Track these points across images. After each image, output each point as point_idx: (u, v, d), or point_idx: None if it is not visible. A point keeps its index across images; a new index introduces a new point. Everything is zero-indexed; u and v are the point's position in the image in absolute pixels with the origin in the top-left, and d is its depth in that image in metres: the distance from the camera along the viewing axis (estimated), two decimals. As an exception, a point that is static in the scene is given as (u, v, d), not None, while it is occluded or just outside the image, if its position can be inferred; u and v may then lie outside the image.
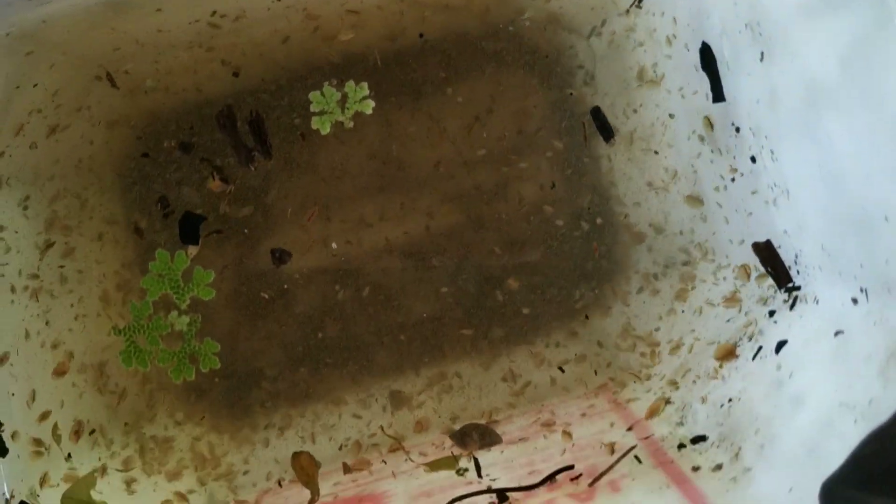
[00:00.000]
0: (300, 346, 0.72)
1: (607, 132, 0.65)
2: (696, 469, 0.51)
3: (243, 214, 0.68)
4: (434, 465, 0.68)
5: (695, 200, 0.65)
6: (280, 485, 0.70)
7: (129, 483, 0.65)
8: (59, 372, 0.63)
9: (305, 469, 0.72)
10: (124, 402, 0.69)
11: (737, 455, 0.50)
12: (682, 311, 0.65)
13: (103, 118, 0.67)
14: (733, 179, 0.58)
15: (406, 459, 0.68)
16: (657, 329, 0.67)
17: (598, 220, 0.71)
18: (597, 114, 0.65)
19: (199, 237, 0.65)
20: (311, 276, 0.70)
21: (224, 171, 0.62)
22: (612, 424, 0.62)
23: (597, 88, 0.70)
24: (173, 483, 0.69)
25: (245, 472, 0.72)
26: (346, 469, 0.67)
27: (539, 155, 0.73)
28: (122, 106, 0.68)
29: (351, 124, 0.67)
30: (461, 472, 0.64)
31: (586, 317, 0.69)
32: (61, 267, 0.66)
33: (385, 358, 0.74)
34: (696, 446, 0.54)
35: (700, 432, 0.55)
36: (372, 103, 0.68)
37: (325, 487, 0.68)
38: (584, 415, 0.65)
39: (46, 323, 0.64)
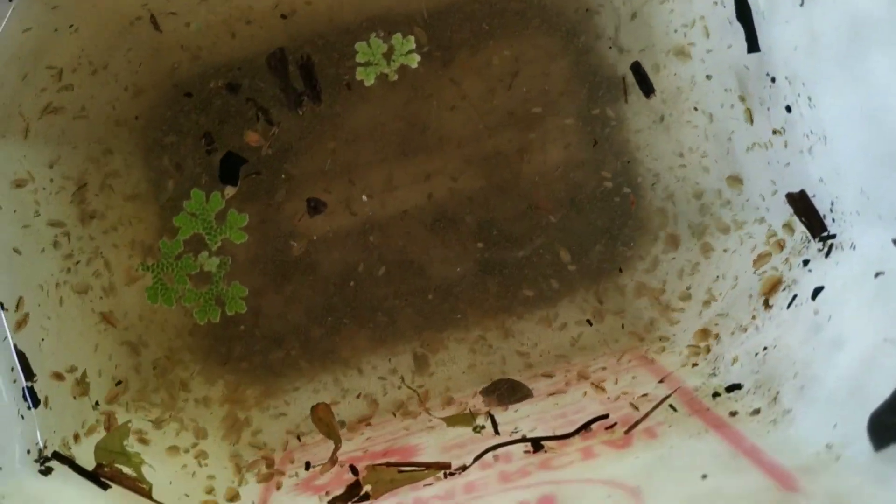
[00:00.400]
0: (324, 304, 0.72)
1: (647, 87, 0.65)
2: (733, 414, 0.51)
3: (283, 159, 0.68)
4: (451, 421, 0.68)
5: (726, 155, 0.65)
6: (299, 440, 0.70)
7: (153, 437, 0.65)
8: (89, 324, 0.64)
9: (324, 420, 0.72)
10: (149, 357, 0.69)
11: (775, 399, 0.50)
12: (712, 267, 0.66)
13: (144, 60, 0.66)
14: (772, 132, 0.58)
15: (429, 418, 0.68)
16: (686, 285, 0.67)
17: (625, 178, 0.71)
18: (637, 69, 0.65)
19: (239, 178, 0.65)
20: (341, 230, 0.70)
21: (269, 113, 0.62)
22: (641, 378, 0.63)
23: (626, 48, 0.70)
24: (198, 440, 0.69)
25: (268, 430, 0.72)
26: (369, 423, 0.68)
27: (564, 117, 0.72)
28: (163, 48, 0.67)
29: (395, 77, 0.67)
30: (478, 429, 0.64)
31: (620, 270, 0.69)
32: (91, 219, 0.65)
33: (409, 319, 0.74)
34: (732, 394, 0.54)
35: (734, 381, 0.55)
36: (417, 57, 0.68)
37: (351, 444, 0.68)
38: (613, 370, 0.65)
39: (74, 272, 0.64)
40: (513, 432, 0.61)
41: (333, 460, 0.66)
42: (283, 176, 0.66)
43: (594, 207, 0.72)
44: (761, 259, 0.60)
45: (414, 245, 0.72)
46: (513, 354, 0.72)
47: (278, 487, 0.61)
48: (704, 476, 0.45)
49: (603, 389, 0.61)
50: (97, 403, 0.59)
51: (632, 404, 0.56)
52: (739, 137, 0.62)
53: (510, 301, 0.72)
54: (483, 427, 0.64)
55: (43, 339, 0.58)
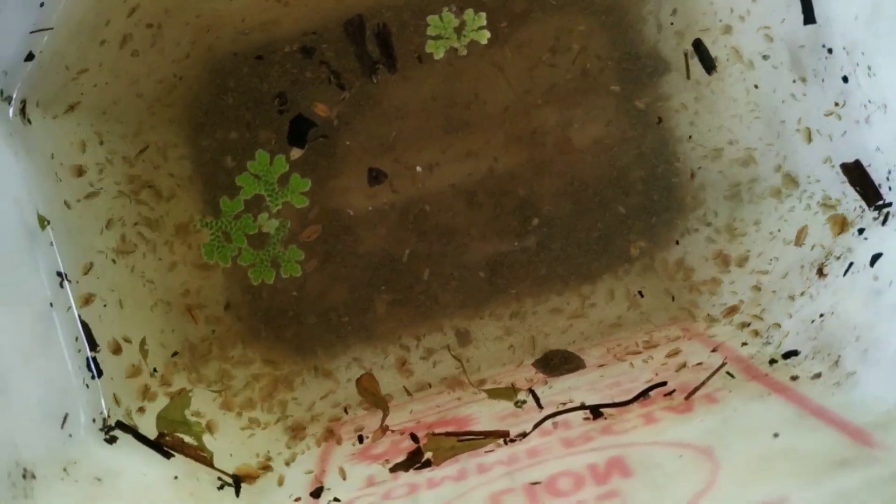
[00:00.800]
0: (371, 277, 0.73)
1: (709, 63, 0.65)
2: (794, 378, 0.52)
3: (349, 127, 0.68)
4: (493, 394, 0.68)
5: (776, 128, 0.66)
6: (346, 412, 0.71)
7: (207, 408, 0.66)
8: (145, 294, 0.64)
9: (370, 389, 0.73)
10: (201, 328, 0.70)
11: (836, 363, 0.51)
12: (760, 239, 0.67)
13: (212, 26, 0.65)
14: (826, 103, 0.59)
15: (474, 391, 0.69)
16: (735, 257, 0.68)
17: (670, 153, 0.72)
18: (698, 46, 0.65)
19: (307, 141, 0.65)
20: (397, 201, 0.70)
21: (342, 78, 0.62)
22: (692, 349, 0.63)
23: (672, 24, 0.70)
24: (250, 410, 0.69)
25: (317, 402, 0.73)
26: (411, 395, 0.68)
27: (605, 95, 0.73)
28: (232, 11, 0.67)
29: (465, 52, 0.67)
30: (519, 403, 0.65)
31: (677, 242, 0.69)
32: (148, 187, 0.66)
33: (453, 294, 0.75)
34: (789, 360, 0.55)
35: (790, 348, 0.56)
36: (487, 34, 0.68)
37: (402, 415, 0.69)
38: (664, 342, 0.66)
39: (130, 241, 0.64)
40: (564, 403, 0.62)
41: (383, 428, 0.67)
42: (347, 142, 0.67)
43: (639, 182, 0.72)
44: (813, 229, 0.61)
45: (464, 219, 0.72)
46: (555, 331, 0.73)
47: (334, 449, 0.62)
48: (776, 435, 0.46)
49: (653, 359, 0.63)
50: (155, 370, 0.60)
51: (692, 365, 0.57)
52: (791, 110, 0.63)
53: (554, 276, 0.73)
54: (524, 402, 0.65)
55: (105, 307, 0.58)
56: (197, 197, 0.67)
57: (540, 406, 0.62)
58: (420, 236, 0.72)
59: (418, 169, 0.67)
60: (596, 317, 0.71)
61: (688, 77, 0.65)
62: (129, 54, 0.63)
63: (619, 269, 0.72)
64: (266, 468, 0.59)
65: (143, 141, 0.64)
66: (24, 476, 0.47)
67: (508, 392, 0.68)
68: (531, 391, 0.65)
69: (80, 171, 0.60)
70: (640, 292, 0.67)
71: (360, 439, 0.64)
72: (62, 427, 0.52)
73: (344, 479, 0.57)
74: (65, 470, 0.50)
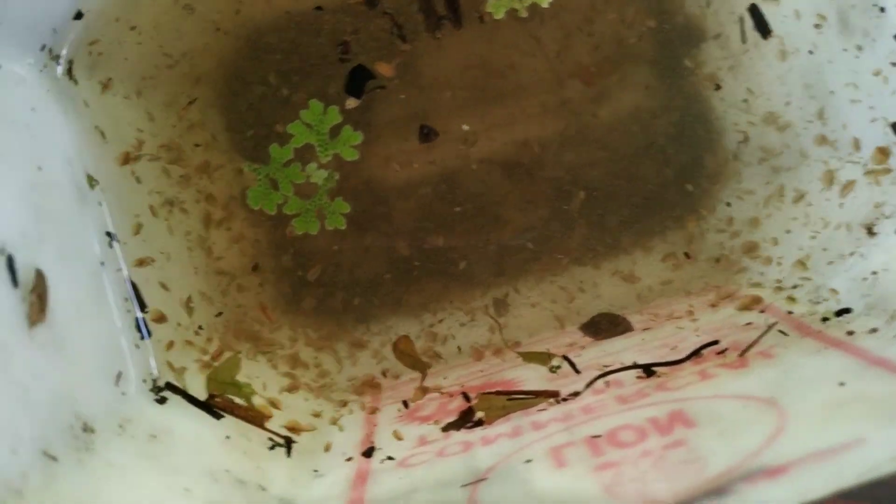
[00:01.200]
0: (410, 242, 0.72)
1: (764, 28, 0.65)
2: (850, 333, 0.52)
3: (406, 82, 0.67)
4: (527, 357, 0.68)
5: (822, 89, 0.65)
6: (385, 375, 0.71)
7: (249, 370, 0.66)
8: (191, 255, 0.64)
9: (406, 352, 0.73)
10: (241, 291, 0.69)
11: (893, 317, 0.51)
12: (805, 200, 0.67)
13: None
14: (876, 63, 0.59)
15: (512, 355, 0.69)
16: (780, 219, 0.68)
17: (709, 119, 0.72)
18: (755, 11, 0.65)
19: (364, 92, 0.65)
20: (445, 161, 0.69)
21: (404, 31, 0.62)
22: (740, 310, 0.64)
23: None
24: (290, 376, 0.69)
25: (358, 366, 0.72)
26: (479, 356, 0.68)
27: (641, 63, 0.73)
28: None
29: (525, 14, 0.67)
30: (553, 369, 0.65)
31: (729, 204, 0.69)
32: (196, 147, 0.65)
33: (494, 262, 0.75)
34: (842, 318, 0.55)
35: (842, 307, 0.56)
36: None
37: (447, 380, 0.69)
38: (711, 305, 0.66)
39: (177, 202, 0.64)
40: (606, 365, 0.61)
41: (423, 388, 0.66)
42: (402, 96, 0.66)
43: (678, 150, 0.72)
44: (860, 189, 0.62)
45: (506, 185, 0.72)
46: (598, 299, 0.73)
47: (380, 412, 0.62)
48: (842, 383, 0.46)
49: (700, 321, 0.63)
50: (200, 328, 0.59)
51: (742, 325, 0.57)
52: (838, 71, 0.63)
53: (594, 243, 0.73)
54: (559, 367, 0.65)
55: (151, 268, 0.58)
56: (244, 151, 0.66)
57: (577, 371, 0.62)
58: (464, 198, 0.72)
59: (465, 128, 0.67)
60: (638, 283, 0.71)
61: (743, 41, 0.65)
62: (182, 8, 0.63)
63: (660, 235, 0.72)
64: (312, 427, 0.59)
65: (187, 97, 0.64)
66: (84, 430, 0.46)
67: (543, 356, 0.67)
68: (565, 357, 0.65)
69: (124, 131, 0.60)
70: (686, 253, 0.67)
71: (406, 404, 0.64)
72: (116, 385, 0.51)
73: (399, 439, 0.57)
74: (121, 426, 0.49)
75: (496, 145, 0.71)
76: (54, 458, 0.42)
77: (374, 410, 0.65)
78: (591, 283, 0.72)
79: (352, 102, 0.65)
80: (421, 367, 0.71)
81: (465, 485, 0.48)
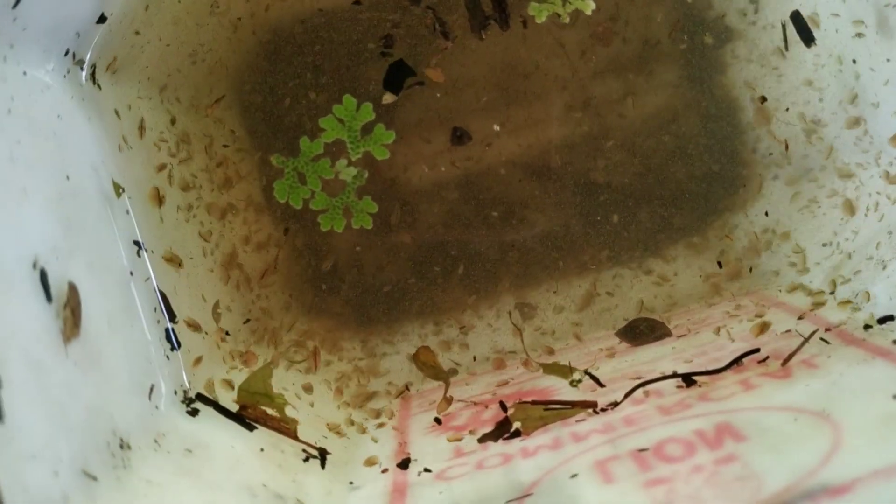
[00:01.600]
0: (435, 243, 0.71)
1: (807, 36, 0.64)
2: (896, 342, 0.52)
3: (445, 80, 0.66)
4: (548, 369, 0.67)
5: (857, 89, 0.64)
6: (408, 389, 0.70)
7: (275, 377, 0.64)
8: (216, 265, 0.63)
9: (427, 363, 0.72)
10: (259, 304, 0.68)
11: (941, 326, 0.51)
12: (841, 205, 0.66)
13: None
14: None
15: (532, 365, 0.68)
16: (815, 225, 0.67)
17: (736, 123, 0.70)
18: (797, 18, 0.64)
19: (402, 88, 0.64)
20: (473, 164, 0.68)
21: (447, 27, 0.60)
22: (777, 317, 0.63)
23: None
24: (321, 385, 0.68)
25: (377, 378, 0.71)
26: (499, 364, 0.67)
27: (668, 62, 0.72)
28: None
29: (567, 20, 0.65)
30: (574, 383, 0.64)
31: (768, 215, 0.68)
32: (225, 146, 0.63)
33: (518, 267, 0.73)
34: (885, 325, 0.55)
35: (884, 314, 0.56)
36: (592, 4, 0.66)
37: (471, 390, 0.68)
38: (745, 311, 0.65)
39: (201, 206, 0.62)
40: (636, 377, 0.61)
41: (447, 399, 0.66)
42: (438, 95, 0.65)
43: (708, 152, 0.71)
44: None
45: (536, 188, 0.71)
46: (625, 303, 0.72)
47: (411, 422, 0.61)
48: (895, 396, 0.45)
49: (737, 328, 0.62)
50: (227, 333, 0.58)
51: (780, 333, 0.56)
52: (875, 71, 0.62)
53: (623, 247, 0.72)
54: (580, 381, 0.64)
55: (178, 276, 0.56)
56: (274, 145, 0.65)
57: (601, 385, 0.61)
58: (491, 201, 0.71)
59: (496, 128, 0.66)
60: (669, 287, 0.70)
61: (785, 49, 0.64)
62: (208, 6, 0.61)
63: (690, 240, 0.71)
64: (344, 435, 0.58)
65: (213, 95, 0.62)
66: (121, 446, 0.45)
67: (564, 369, 0.66)
68: (587, 372, 0.64)
69: (148, 135, 0.59)
70: (718, 262, 0.66)
71: (438, 421, 0.63)
72: (149, 399, 0.50)
73: (430, 451, 0.56)
74: (156, 441, 0.48)
75: (523, 148, 0.69)
76: (94, 478, 0.41)
77: (404, 419, 0.64)
78: (621, 287, 0.70)
79: (389, 98, 0.64)
80: (444, 377, 0.70)
81: (510, 501, 0.47)
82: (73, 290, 0.42)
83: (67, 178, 0.49)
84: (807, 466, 0.41)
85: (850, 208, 0.64)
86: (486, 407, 0.60)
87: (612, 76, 0.72)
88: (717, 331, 0.62)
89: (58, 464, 0.39)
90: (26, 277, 0.40)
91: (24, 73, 0.48)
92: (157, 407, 0.51)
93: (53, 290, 0.43)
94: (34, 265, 0.42)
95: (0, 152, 0.39)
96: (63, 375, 0.41)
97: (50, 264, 0.43)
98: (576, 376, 0.65)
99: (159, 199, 0.57)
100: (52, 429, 0.39)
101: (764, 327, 0.60)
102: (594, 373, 0.63)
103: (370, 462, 0.57)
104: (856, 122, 0.65)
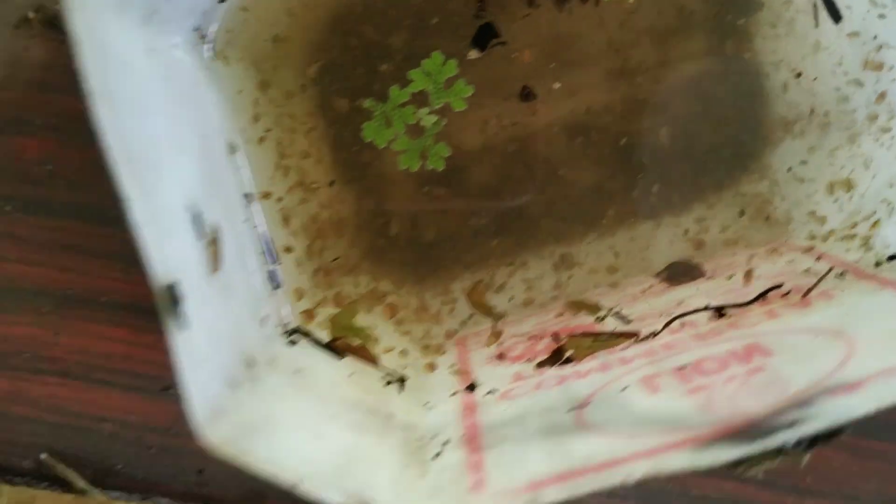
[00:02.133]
0: (486, 194, 0.78)
1: (835, 13, 0.70)
2: (902, 276, 0.59)
3: (522, 43, 0.73)
4: (574, 306, 0.75)
5: (879, 59, 0.71)
6: (464, 324, 0.78)
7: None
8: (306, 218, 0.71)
9: (479, 301, 0.80)
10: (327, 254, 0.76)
11: (942, 261, 0.58)
12: (858, 154, 0.73)
13: None
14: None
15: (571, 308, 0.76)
16: (832, 174, 0.74)
17: (769, 90, 0.76)
18: None
19: (487, 47, 0.71)
20: (535, 121, 0.75)
21: None
22: (796, 258, 0.70)
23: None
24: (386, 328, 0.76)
25: (433, 323, 0.80)
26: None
27: (702, 29, 0.78)
28: None
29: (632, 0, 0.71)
30: (600, 318, 0.72)
31: (789, 169, 0.74)
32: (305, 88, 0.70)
33: (552, 224, 0.81)
34: (894, 262, 0.62)
35: (894, 252, 0.63)
36: None
37: (524, 326, 0.76)
38: (764, 257, 0.73)
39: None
40: (662, 314, 0.68)
41: (496, 333, 0.74)
42: (513, 55, 0.72)
43: (736, 114, 0.77)
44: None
45: (579, 147, 0.78)
46: (655, 255, 0.79)
47: (471, 354, 0.69)
48: (904, 316, 0.52)
49: (760, 268, 0.69)
50: (317, 268, 0.66)
51: (801, 271, 0.63)
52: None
53: (653, 203, 0.78)
54: (605, 317, 0.71)
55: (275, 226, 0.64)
56: (366, 92, 0.71)
57: (627, 321, 0.69)
58: (543, 160, 0.77)
59: (556, 86, 0.73)
60: (697, 237, 0.77)
61: (816, 25, 0.70)
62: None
63: (718, 194, 0.78)
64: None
65: (309, 59, 0.68)
66: (249, 365, 0.53)
67: (593, 307, 0.74)
68: (617, 312, 0.71)
69: (244, 102, 0.66)
70: (741, 211, 0.73)
71: (499, 356, 0.71)
72: (262, 327, 0.58)
73: (492, 377, 0.64)
74: (271, 363, 0.56)
75: (579, 110, 0.76)
76: (237, 387, 0.49)
77: (464, 355, 0.72)
78: (655, 238, 0.78)
79: (474, 54, 0.71)
80: (495, 315, 0.78)
81: (571, 409, 0.55)
82: (215, 231, 0.50)
83: (204, 136, 0.56)
84: (825, 370, 0.49)
85: (868, 160, 0.70)
86: (540, 339, 0.68)
87: (645, 45, 0.78)
88: (744, 273, 0.70)
89: (214, 372, 0.47)
90: (186, 218, 0.47)
91: (170, 46, 0.55)
92: (267, 336, 0.59)
93: (202, 230, 0.50)
94: (188, 208, 0.49)
95: (166, 111, 0.47)
96: (213, 300, 0.49)
97: (198, 208, 0.51)
98: (601, 313, 0.72)
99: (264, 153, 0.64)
100: (209, 343, 0.47)
101: (785, 267, 0.67)
102: (627, 312, 0.70)
103: (441, 388, 0.65)
104: (881, 96, 0.71)
